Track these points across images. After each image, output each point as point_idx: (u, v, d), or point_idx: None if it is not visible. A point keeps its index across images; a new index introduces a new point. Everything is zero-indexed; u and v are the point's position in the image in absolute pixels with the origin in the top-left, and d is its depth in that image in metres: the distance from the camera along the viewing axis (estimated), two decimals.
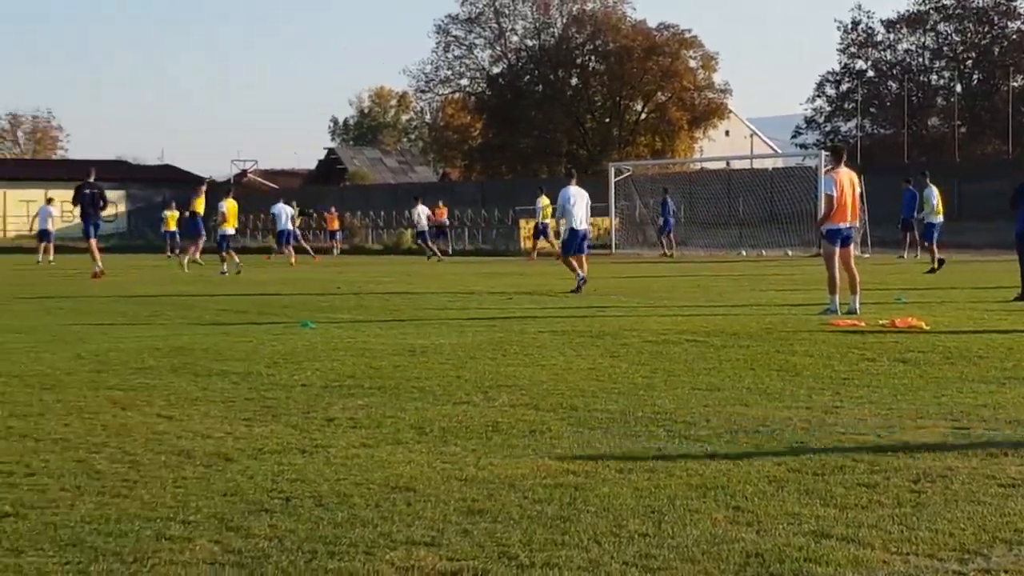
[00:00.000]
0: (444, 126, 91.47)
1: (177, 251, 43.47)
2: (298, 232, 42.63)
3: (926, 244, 30.28)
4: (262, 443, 7.35)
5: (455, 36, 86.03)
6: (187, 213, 39.00)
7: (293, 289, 23.63)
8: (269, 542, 5.16)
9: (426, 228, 45.44)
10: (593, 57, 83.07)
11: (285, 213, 40.00)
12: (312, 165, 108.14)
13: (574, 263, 22.20)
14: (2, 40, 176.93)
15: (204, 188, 37.58)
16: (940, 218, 30.09)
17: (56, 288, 24.31)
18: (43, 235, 40.33)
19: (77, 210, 30.47)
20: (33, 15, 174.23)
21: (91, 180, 30.03)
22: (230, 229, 33.14)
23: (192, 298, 20.74)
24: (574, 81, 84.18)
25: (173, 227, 49.17)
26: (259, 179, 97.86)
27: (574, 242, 22.46)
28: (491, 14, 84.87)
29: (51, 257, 38.98)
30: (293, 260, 37.72)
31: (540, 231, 43.29)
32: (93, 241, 29.46)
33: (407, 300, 20.07)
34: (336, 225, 55.20)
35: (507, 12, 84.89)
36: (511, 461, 6.78)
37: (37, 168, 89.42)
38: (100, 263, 28.86)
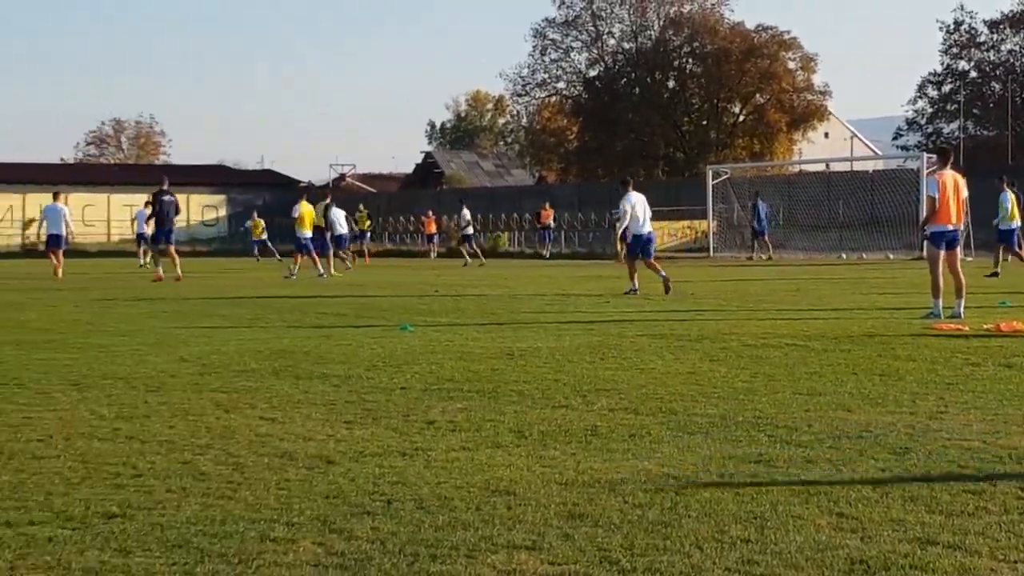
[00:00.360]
0: (540, 129, 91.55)
1: (277, 258, 43.91)
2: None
3: (1004, 248, 29.65)
4: (363, 446, 7.40)
5: (552, 39, 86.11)
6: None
7: (391, 292, 23.78)
8: (371, 544, 5.19)
9: (471, 234, 45.54)
10: (690, 59, 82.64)
11: (340, 217, 39.68)
12: (409, 169, 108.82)
13: (635, 268, 22.83)
14: (107, 46, 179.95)
15: (330, 199, 37.96)
16: (1016, 223, 29.39)
17: (158, 291, 24.65)
18: (141, 238, 40.84)
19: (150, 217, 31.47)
20: (135, 21, 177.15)
21: (165, 188, 30.65)
22: (307, 232, 33.30)
23: (292, 301, 20.94)
24: (671, 84, 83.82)
25: (259, 235, 49.73)
26: (357, 183, 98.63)
27: (638, 245, 23.12)
28: (588, 17, 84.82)
29: (148, 260, 39.54)
30: (351, 263, 38.17)
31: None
32: (172, 247, 30.45)
33: (504, 303, 20.11)
34: (433, 229, 55.44)
35: (604, 15, 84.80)
36: (611, 465, 6.76)
37: (140, 173, 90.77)
38: (159, 265, 30.08)
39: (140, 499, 6.01)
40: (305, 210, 33.35)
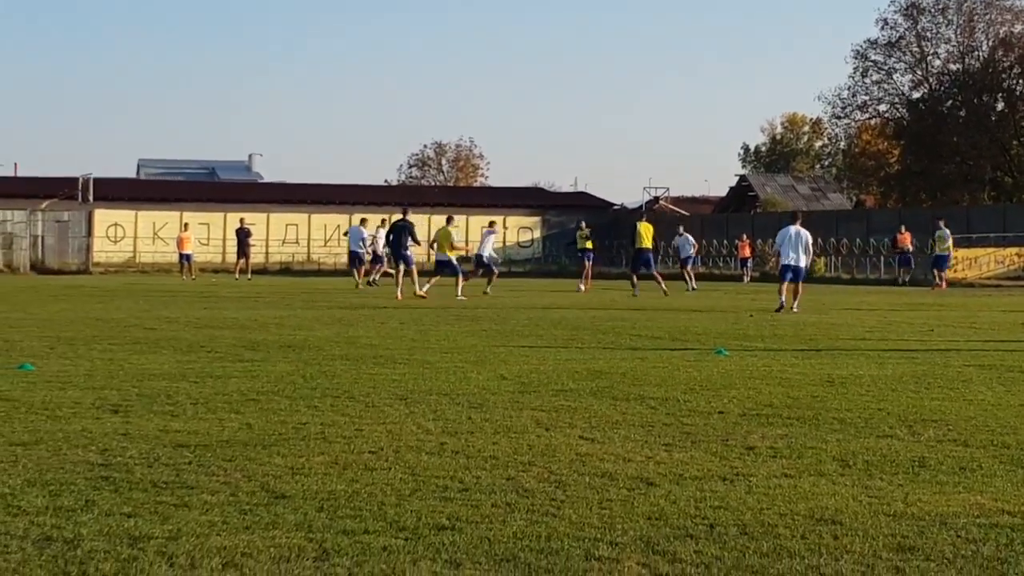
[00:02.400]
0: (859, 152, 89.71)
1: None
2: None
3: None
4: (683, 469, 7.39)
5: (873, 61, 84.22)
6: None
7: (705, 316, 23.69)
8: (696, 568, 5.18)
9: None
10: (1021, 80, 79.55)
11: (360, 235, 39.60)
12: (723, 192, 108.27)
13: (782, 289, 25.84)
14: (431, 72, 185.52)
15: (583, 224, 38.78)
16: None
17: (476, 311, 25.18)
18: (356, 258, 39.96)
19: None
20: (456, 48, 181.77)
21: (405, 217, 32.13)
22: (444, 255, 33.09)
23: (607, 323, 21.08)
24: (999, 106, 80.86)
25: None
26: (671, 206, 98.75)
27: (785, 275, 26.09)
28: (912, 38, 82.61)
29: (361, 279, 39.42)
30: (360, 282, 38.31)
31: (937, 261, 42.70)
32: (401, 270, 31.78)
33: (821, 329, 19.76)
34: (747, 253, 55.01)
35: (929, 36, 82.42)
36: (941, 498, 6.56)
37: (459, 194, 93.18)
38: (417, 288, 30.89)
39: (468, 512, 6.16)
40: (443, 235, 33.11)
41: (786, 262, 26.09)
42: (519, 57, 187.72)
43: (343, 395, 10.71)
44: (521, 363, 13.75)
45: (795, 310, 24.98)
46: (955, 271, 49.66)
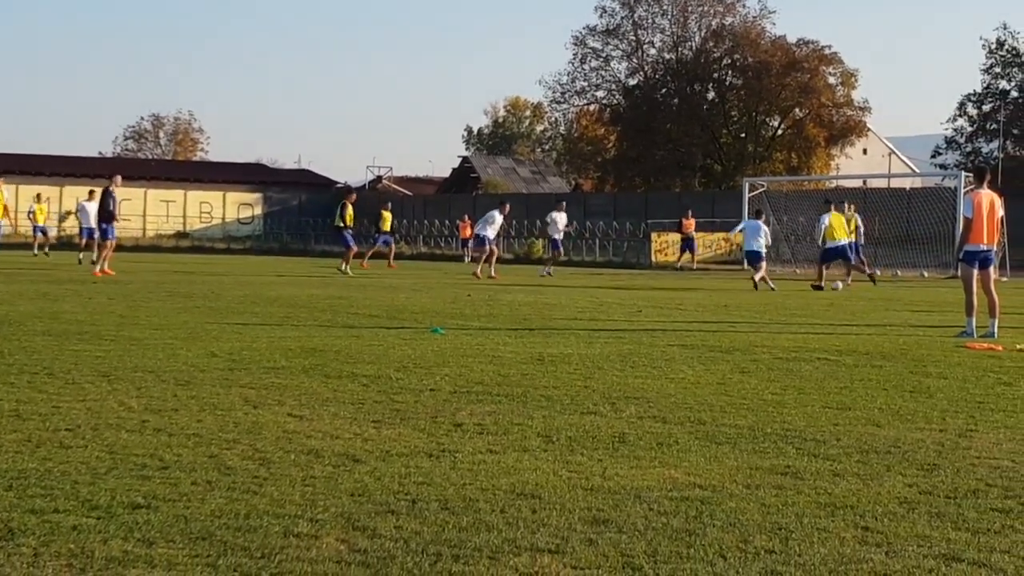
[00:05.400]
0: (578, 137, 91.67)
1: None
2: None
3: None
4: (390, 445, 7.40)
5: (592, 48, 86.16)
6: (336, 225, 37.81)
7: (424, 295, 23.80)
8: (394, 543, 5.19)
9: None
10: (731, 72, 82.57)
11: (92, 210, 36.62)
12: (446, 173, 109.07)
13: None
14: (148, 42, 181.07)
15: (353, 199, 37.77)
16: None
17: (191, 288, 24.73)
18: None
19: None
20: (178, 17, 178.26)
21: (108, 188, 31.80)
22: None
23: (325, 301, 20.97)
24: (711, 95, 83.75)
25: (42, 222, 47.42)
26: (394, 185, 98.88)
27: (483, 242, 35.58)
28: (629, 26, 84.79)
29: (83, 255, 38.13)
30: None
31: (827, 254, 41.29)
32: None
33: (536, 310, 20.09)
34: (468, 233, 55.52)
35: (645, 25, 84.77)
36: (637, 472, 6.75)
37: (177, 169, 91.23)
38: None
39: (165, 491, 6.03)
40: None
41: (483, 234, 35.49)
42: (242, 32, 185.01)
43: (42, 371, 10.35)
44: (233, 340, 13.54)
45: (493, 276, 33.26)
46: (665, 255, 51.13)
